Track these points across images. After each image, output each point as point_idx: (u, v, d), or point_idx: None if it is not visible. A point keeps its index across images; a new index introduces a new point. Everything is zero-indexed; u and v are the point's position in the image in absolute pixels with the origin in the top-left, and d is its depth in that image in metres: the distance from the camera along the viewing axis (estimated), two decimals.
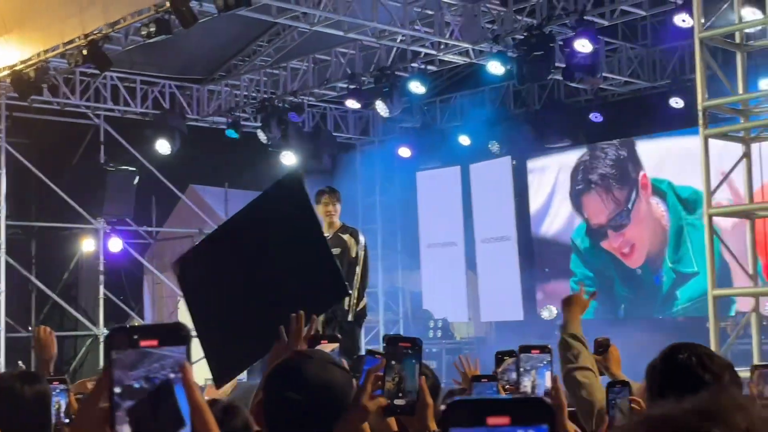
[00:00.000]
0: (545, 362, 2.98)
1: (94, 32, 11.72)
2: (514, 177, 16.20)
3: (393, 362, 2.82)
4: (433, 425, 2.85)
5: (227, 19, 12.11)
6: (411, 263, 17.94)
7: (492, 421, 0.96)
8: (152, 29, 11.22)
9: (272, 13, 11.83)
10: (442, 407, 1.00)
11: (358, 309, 8.26)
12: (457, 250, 17.05)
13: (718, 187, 7.50)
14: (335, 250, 8.37)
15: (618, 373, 4.11)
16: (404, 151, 16.96)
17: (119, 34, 12.15)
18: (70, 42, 12.02)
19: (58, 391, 3.72)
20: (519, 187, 16.21)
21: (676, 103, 13.52)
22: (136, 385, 1.26)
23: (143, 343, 1.26)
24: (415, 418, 2.86)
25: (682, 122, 13.57)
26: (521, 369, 2.86)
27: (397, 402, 2.80)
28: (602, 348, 4.17)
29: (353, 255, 8.22)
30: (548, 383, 2.92)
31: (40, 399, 3.23)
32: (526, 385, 2.89)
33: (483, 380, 3.23)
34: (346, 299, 8.06)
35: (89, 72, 13.96)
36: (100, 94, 14.68)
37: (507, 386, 3.06)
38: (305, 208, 4.38)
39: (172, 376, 1.25)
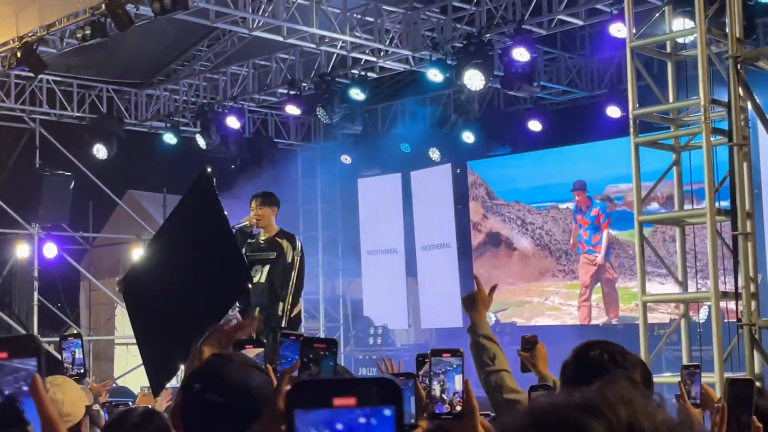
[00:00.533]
0: (455, 366, 3.00)
1: (29, 34, 11.56)
2: (455, 184, 16.28)
3: (309, 363, 2.81)
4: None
5: (166, 23, 12.01)
6: (352, 270, 17.94)
7: (338, 402, 0.94)
8: (87, 32, 11.11)
9: (210, 17, 11.75)
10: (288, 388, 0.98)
11: (292, 315, 8.22)
12: (398, 257, 17.09)
13: (648, 194, 7.61)
14: (271, 255, 8.34)
15: (545, 371, 4.13)
16: (346, 158, 16.97)
17: (54, 36, 11.99)
18: (5, 44, 11.84)
19: None
20: (459, 195, 16.29)
21: (614, 112, 13.69)
22: None
23: None
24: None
25: (619, 131, 13.77)
26: (432, 372, 2.86)
27: None
28: (529, 345, 4.19)
29: (289, 260, 8.18)
30: (458, 386, 2.93)
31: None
32: (435, 387, 2.90)
33: (401, 378, 3.22)
34: (280, 305, 8.01)
35: (24, 75, 13.74)
36: (35, 98, 14.47)
37: (425, 387, 3.06)
38: (214, 205, 4.39)
39: (24, 389, 1.21)
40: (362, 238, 17.51)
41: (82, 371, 4.53)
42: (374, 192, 17.34)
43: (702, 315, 10.41)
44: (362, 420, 0.94)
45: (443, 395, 2.82)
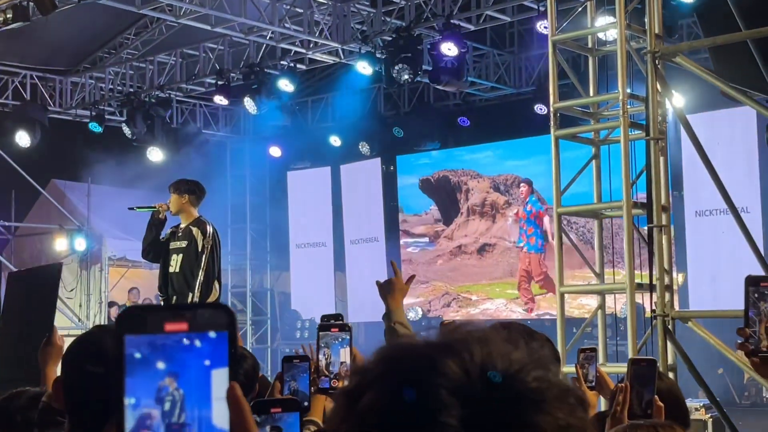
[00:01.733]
0: (341, 339, 3.03)
1: None
2: (384, 178, 16.31)
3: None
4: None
5: (92, 9, 11.82)
6: (280, 263, 17.87)
7: (169, 327, 0.93)
8: (9, 15, 10.87)
9: (137, 3, 11.59)
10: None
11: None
12: (326, 251, 17.07)
13: (567, 186, 7.69)
14: (183, 243, 8.24)
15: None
16: (275, 150, 16.89)
17: None
18: None
19: None
20: (388, 189, 16.33)
21: (540, 109, 13.83)
22: None
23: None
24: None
25: (546, 128, 13.92)
26: (320, 345, 2.89)
27: None
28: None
29: (199, 248, 8.09)
30: (343, 358, 2.97)
31: None
32: (321, 359, 2.92)
33: (295, 361, 3.22)
34: (189, 295, 7.93)
35: None
36: None
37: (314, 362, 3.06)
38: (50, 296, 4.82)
39: None
40: (291, 232, 17.45)
41: None
42: (303, 185, 17.29)
43: (622, 310, 10.57)
44: (186, 342, 0.93)
45: (329, 368, 2.83)
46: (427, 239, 15.87)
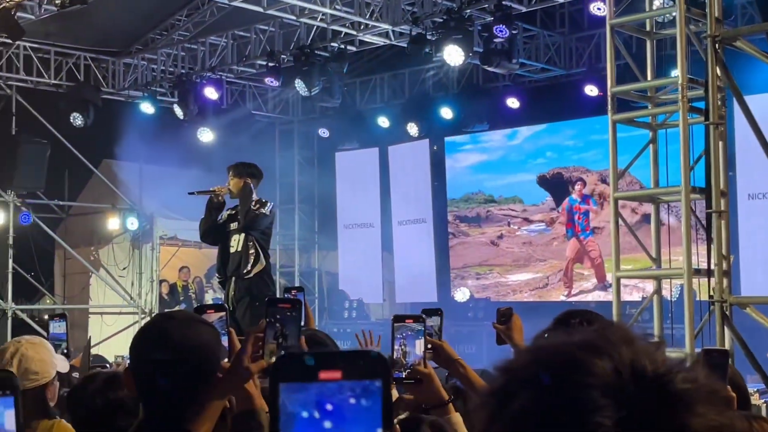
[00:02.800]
0: (417, 331, 3.10)
1: (7, 0, 11.44)
2: (432, 160, 16.32)
3: (276, 324, 2.86)
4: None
5: None
6: (328, 244, 17.98)
7: (324, 375, 0.93)
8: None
9: None
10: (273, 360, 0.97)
11: (253, 273, 8.22)
12: (374, 232, 17.13)
13: (625, 170, 7.69)
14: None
15: (520, 342, 4.19)
16: (323, 132, 16.96)
17: (32, 2, 11.88)
18: None
19: None
20: (436, 170, 16.34)
21: (591, 90, 13.76)
22: None
23: None
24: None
25: (596, 109, 13.86)
26: (395, 336, 2.94)
27: None
28: (504, 318, 4.22)
29: (257, 211, 8.22)
30: (419, 351, 3.03)
31: None
32: (397, 348, 2.98)
33: (408, 321, 3.35)
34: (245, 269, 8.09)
35: (1, 41, 13.61)
36: (12, 64, 14.34)
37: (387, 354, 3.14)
38: None
39: None
40: (339, 212, 17.53)
41: (65, 352, 4.57)
42: (352, 166, 17.34)
43: (674, 293, 10.53)
44: (352, 401, 0.93)
45: (404, 360, 2.90)
46: (544, 224, 15.64)
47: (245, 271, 8.12)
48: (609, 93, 7.79)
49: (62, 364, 3.84)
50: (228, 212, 8.55)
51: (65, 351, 4.56)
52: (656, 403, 0.96)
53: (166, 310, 2.85)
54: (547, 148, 15.43)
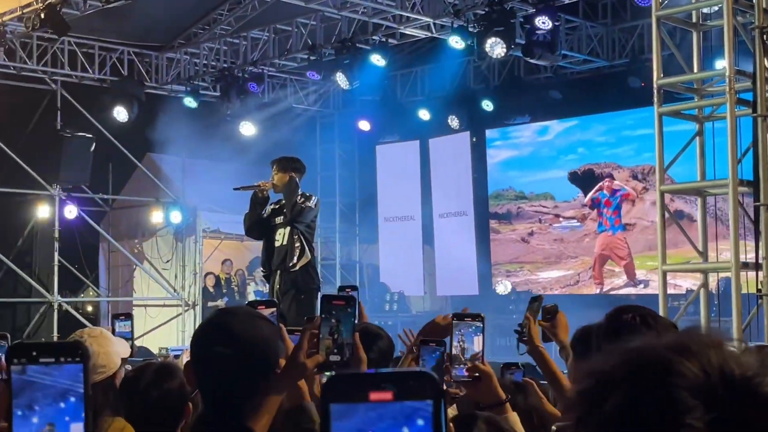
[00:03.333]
0: (474, 327, 3.13)
1: None
2: (473, 152, 16.28)
3: (331, 320, 2.90)
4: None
5: None
6: (369, 236, 18.01)
7: (374, 396, 0.92)
8: None
9: None
10: (323, 380, 0.97)
11: (299, 266, 8.27)
12: (415, 225, 17.14)
13: (671, 163, 7.62)
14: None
15: (565, 339, 4.18)
16: (364, 124, 16.97)
17: None
18: (28, 5, 11.86)
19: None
20: (477, 163, 16.30)
21: (634, 82, 13.65)
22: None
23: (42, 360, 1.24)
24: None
25: (639, 101, 13.75)
26: (454, 333, 2.97)
27: (333, 358, 2.88)
28: (550, 315, 4.23)
29: (302, 204, 8.26)
30: (476, 347, 3.06)
31: None
32: (456, 345, 3.00)
33: (431, 344, 3.36)
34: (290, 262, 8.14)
35: (47, 36, 13.77)
36: (57, 59, 14.50)
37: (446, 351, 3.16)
38: None
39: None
40: (379, 205, 17.55)
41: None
42: (392, 159, 17.36)
43: (716, 286, 10.44)
44: (402, 423, 0.93)
45: (463, 356, 2.92)
46: (575, 221, 15.57)
47: (291, 264, 8.17)
48: (655, 85, 7.72)
49: (124, 349, 3.87)
50: (272, 206, 8.59)
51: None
52: (745, 406, 0.97)
53: (228, 306, 2.86)
54: (579, 144, 15.35)
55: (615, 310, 3.07)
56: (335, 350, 2.92)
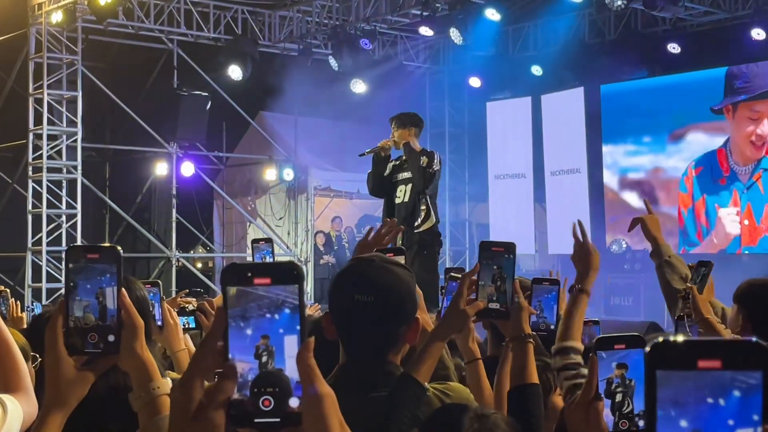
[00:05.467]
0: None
1: None
2: (587, 108, 15.94)
3: (492, 266, 2.87)
4: (527, 329, 2.88)
5: None
6: (479, 194, 17.90)
7: (703, 363, 0.91)
8: None
9: None
10: (647, 349, 0.94)
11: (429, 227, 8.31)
12: (526, 182, 16.93)
13: None
14: (410, 174, 8.40)
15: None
16: (475, 81, 16.80)
17: None
18: None
19: (151, 295, 3.79)
20: (591, 119, 15.96)
21: (758, 34, 13.16)
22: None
23: (257, 281, 1.25)
24: (510, 323, 2.89)
25: (763, 53, 13.26)
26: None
27: (492, 306, 2.84)
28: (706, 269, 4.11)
29: (431, 170, 8.26)
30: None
31: (141, 305, 3.10)
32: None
33: (545, 283, 3.52)
34: (416, 220, 8.17)
35: None
36: (173, 19, 14.71)
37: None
38: None
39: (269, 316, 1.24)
40: (490, 163, 17.38)
41: None
42: (503, 116, 17.14)
43: None
44: (733, 392, 0.90)
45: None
46: None
47: (416, 224, 8.19)
48: None
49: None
50: (393, 163, 8.59)
51: None
52: None
53: (365, 254, 2.85)
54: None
55: None
56: (495, 297, 2.89)
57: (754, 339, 0.93)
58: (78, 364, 1.66)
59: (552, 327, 3.47)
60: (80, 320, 1.63)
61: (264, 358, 1.24)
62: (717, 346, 0.91)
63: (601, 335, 2.24)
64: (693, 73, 14.66)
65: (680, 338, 0.93)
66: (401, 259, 2.96)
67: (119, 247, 1.63)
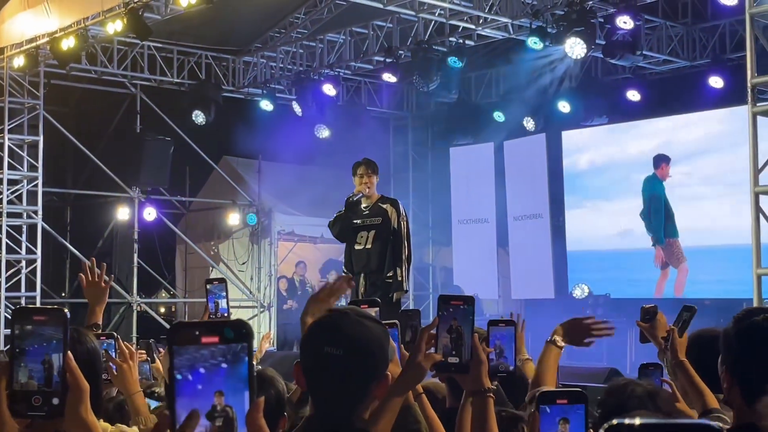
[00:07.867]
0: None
1: (135, 0, 11.72)
2: (549, 154, 16.09)
3: (451, 319, 2.87)
4: (487, 383, 2.86)
5: None
6: (442, 239, 17.94)
7: (205, 339, 1.10)
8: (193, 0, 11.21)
9: None
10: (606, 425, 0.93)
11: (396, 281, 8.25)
12: (489, 227, 17.01)
13: (765, 165, 7.42)
14: (376, 220, 8.36)
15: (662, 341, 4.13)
16: (437, 127, 16.92)
17: (159, 2, 12.14)
18: (110, 10, 12.02)
19: (105, 345, 3.72)
20: (553, 165, 16.10)
21: (716, 82, 13.39)
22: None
23: (204, 340, 1.25)
24: (469, 377, 2.87)
25: (721, 101, 13.48)
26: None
27: (452, 360, 2.83)
28: (649, 315, 4.21)
29: (395, 225, 8.21)
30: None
31: (91, 357, 2.94)
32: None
33: (501, 324, 3.50)
34: (398, 270, 8.08)
35: (127, 41, 13.98)
36: (137, 63, 14.71)
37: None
38: None
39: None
40: (453, 207, 17.46)
41: None
42: (466, 161, 17.25)
43: None
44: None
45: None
46: None
47: (388, 275, 8.13)
48: (749, 84, 7.56)
49: None
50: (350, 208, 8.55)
51: None
52: None
53: (340, 306, 2.84)
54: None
55: (743, 313, 2.98)
56: (453, 351, 2.88)
57: (705, 421, 0.93)
58: (22, 426, 1.64)
59: (511, 368, 3.49)
60: (25, 385, 1.62)
61: (218, 422, 1.24)
62: (670, 429, 0.91)
63: (543, 389, 2.24)
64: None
65: (636, 421, 0.93)
66: (374, 311, 2.95)
67: (66, 309, 1.62)
